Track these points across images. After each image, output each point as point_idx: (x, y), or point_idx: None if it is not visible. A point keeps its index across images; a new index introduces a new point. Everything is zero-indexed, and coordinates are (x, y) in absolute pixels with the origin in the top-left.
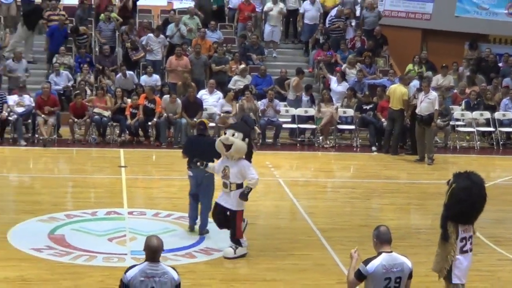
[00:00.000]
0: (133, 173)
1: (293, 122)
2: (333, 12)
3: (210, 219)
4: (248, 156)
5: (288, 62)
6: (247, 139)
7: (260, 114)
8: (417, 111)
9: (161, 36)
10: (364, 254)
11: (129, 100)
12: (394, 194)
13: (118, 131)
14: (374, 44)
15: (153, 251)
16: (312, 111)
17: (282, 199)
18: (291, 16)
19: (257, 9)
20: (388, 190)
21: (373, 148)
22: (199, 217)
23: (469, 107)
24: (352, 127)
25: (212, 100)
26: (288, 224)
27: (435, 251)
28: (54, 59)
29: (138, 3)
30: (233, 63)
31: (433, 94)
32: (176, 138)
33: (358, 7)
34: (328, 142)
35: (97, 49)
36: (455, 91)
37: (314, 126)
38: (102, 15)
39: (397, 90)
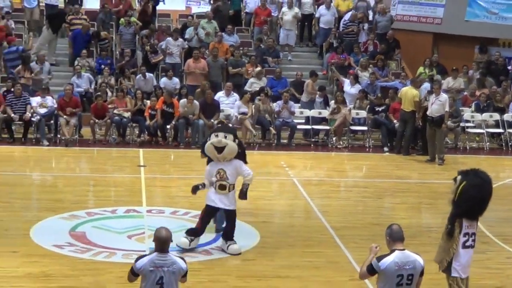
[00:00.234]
0: (152, 173)
1: (307, 123)
2: (347, 16)
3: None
4: (243, 156)
5: (302, 65)
6: (237, 140)
7: (275, 116)
8: (428, 113)
9: (180, 39)
10: (381, 252)
11: (148, 102)
12: (405, 194)
13: (137, 132)
14: (386, 47)
15: (162, 242)
16: (325, 113)
17: (296, 198)
18: (306, 20)
19: (272, 14)
20: (399, 189)
21: (385, 149)
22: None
23: (479, 109)
24: (365, 128)
25: (228, 102)
26: (302, 222)
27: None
28: (76, 62)
29: (157, 7)
30: (250, 65)
31: (444, 96)
32: (193, 138)
33: (371, 12)
34: (341, 143)
35: (117, 52)
36: (465, 93)
37: (327, 127)
38: (122, 19)
39: (408, 92)
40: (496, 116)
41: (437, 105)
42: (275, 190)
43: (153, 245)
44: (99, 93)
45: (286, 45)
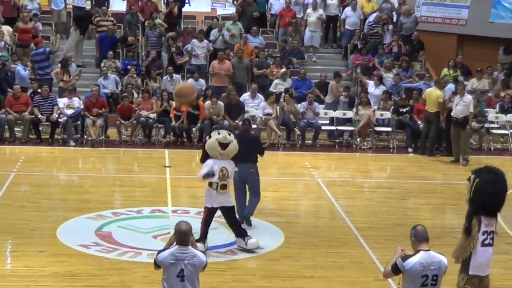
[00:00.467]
0: (177, 173)
1: (331, 124)
2: (371, 18)
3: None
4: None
5: (327, 66)
6: (235, 139)
7: (299, 117)
8: (452, 114)
9: (205, 41)
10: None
11: (173, 103)
12: (429, 194)
13: (163, 133)
14: (410, 48)
15: (183, 235)
16: (350, 114)
17: (320, 199)
18: (331, 22)
19: (297, 15)
20: (423, 190)
21: (409, 150)
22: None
23: (503, 110)
24: (389, 129)
25: (254, 104)
26: (327, 223)
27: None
28: (102, 63)
29: (183, 9)
30: (274, 67)
31: (468, 97)
32: None
33: (395, 13)
34: (365, 144)
35: (143, 54)
36: (490, 94)
37: (352, 128)
38: (146, 22)
39: (432, 93)
40: None
41: (462, 106)
42: (299, 191)
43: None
44: (125, 94)
45: (311, 47)
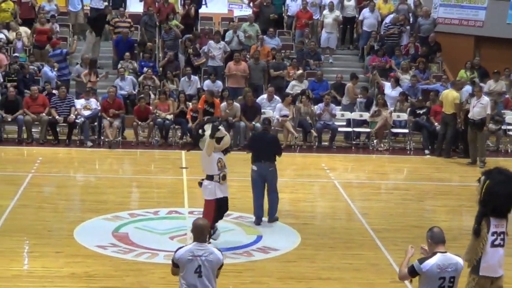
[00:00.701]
0: (194, 174)
1: (348, 125)
2: (388, 19)
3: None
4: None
5: (344, 68)
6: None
7: (316, 118)
8: (469, 115)
9: (222, 42)
10: (417, 254)
11: (190, 104)
12: (446, 196)
13: (179, 134)
14: (427, 50)
15: (199, 231)
16: (366, 115)
17: (337, 200)
18: (348, 23)
19: (314, 17)
20: (440, 192)
21: (426, 151)
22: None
23: None
24: (406, 130)
25: (270, 107)
26: (343, 224)
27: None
28: (119, 65)
29: (200, 10)
30: (291, 68)
31: (485, 99)
32: (235, 140)
33: (412, 15)
34: (382, 145)
35: (160, 55)
36: (507, 96)
37: (368, 130)
38: (162, 26)
39: (449, 95)
40: None
41: (479, 108)
42: (316, 192)
43: None
44: (142, 95)
45: (327, 48)
